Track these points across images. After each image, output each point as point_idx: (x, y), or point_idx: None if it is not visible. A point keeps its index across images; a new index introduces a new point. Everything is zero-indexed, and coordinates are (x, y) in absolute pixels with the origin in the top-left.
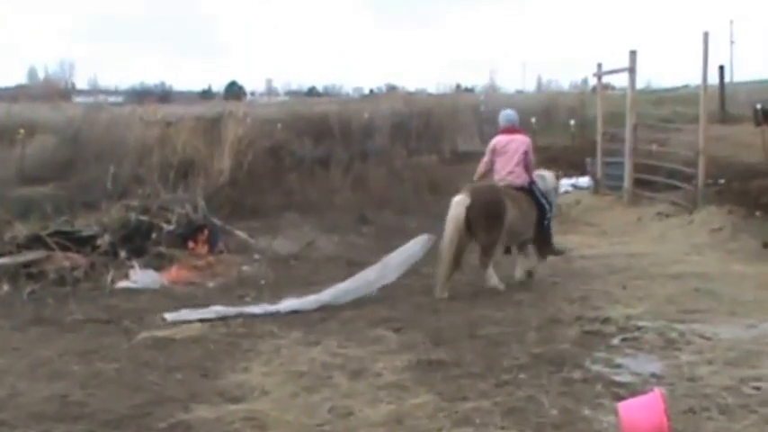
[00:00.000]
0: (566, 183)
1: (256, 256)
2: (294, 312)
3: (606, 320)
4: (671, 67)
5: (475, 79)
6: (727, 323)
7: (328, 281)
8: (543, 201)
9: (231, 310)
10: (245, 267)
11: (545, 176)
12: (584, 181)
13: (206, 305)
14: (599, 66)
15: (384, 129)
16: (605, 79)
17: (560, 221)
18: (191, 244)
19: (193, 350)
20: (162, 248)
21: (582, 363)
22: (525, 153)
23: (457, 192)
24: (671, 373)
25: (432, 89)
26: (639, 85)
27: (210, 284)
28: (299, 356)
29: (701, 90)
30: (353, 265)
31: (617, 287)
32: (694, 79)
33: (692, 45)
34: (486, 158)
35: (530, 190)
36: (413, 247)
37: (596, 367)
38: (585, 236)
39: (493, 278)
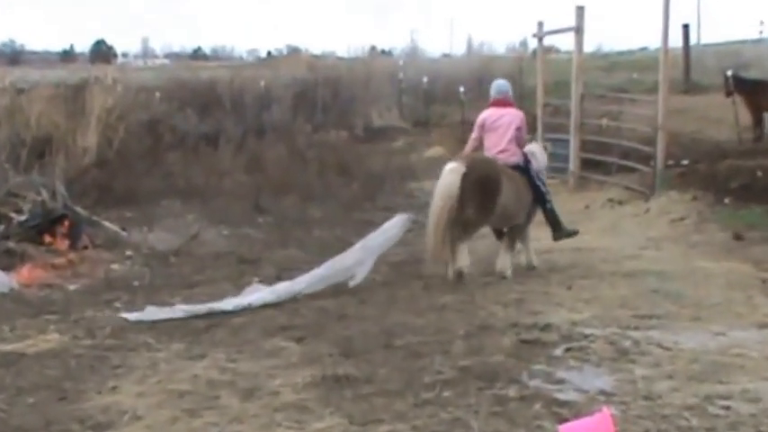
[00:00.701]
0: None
1: (129, 253)
2: (265, 306)
3: (547, 327)
4: (625, 27)
5: (393, 40)
6: (691, 330)
7: (216, 281)
8: (539, 182)
9: (200, 308)
10: (114, 266)
11: (535, 153)
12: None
13: (66, 310)
14: (540, 25)
15: (284, 99)
16: (548, 41)
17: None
18: (47, 238)
19: (50, 367)
20: (11, 243)
21: (518, 377)
22: (518, 129)
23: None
24: (623, 389)
25: (342, 52)
26: (588, 47)
27: (72, 287)
28: (179, 372)
29: (661, 54)
30: (246, 263)
31: (560, 288)
32: (653, 41)
33: (651, 0)
34: (474, 135)
35: (525, 169)
36: (391, 229)
37: (535, 383)
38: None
39: (462, 259)
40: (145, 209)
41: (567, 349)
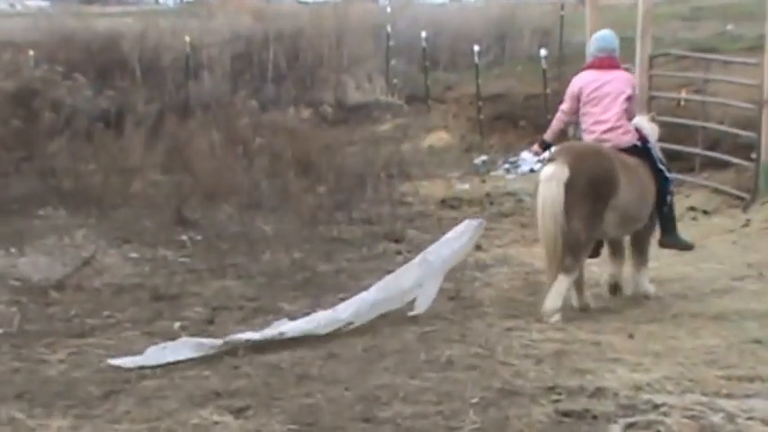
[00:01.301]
0: (531, 158)
1: None
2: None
3: (598, 393)
4: None
5: None
6: None
7: (119, 327)
8: (663, 167)
9: (215, 340)
10: None
11: (644, 128)
12: None
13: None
14: None
15: (219, 63)
16: None
17: (517, 222)
18: None
19: None
20: None
21: None
22: (629, 99)
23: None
24: None
25: None
26: None
27: None
28: None
29: None
30: (163, 300)
31: (618, 335)
32: None
33: None
34: (565, 107)
35: (644, 150)
36: (458, 238)
37: None
38: None
39: (558, 298)
40: (13, 222)
41: (629, 426)
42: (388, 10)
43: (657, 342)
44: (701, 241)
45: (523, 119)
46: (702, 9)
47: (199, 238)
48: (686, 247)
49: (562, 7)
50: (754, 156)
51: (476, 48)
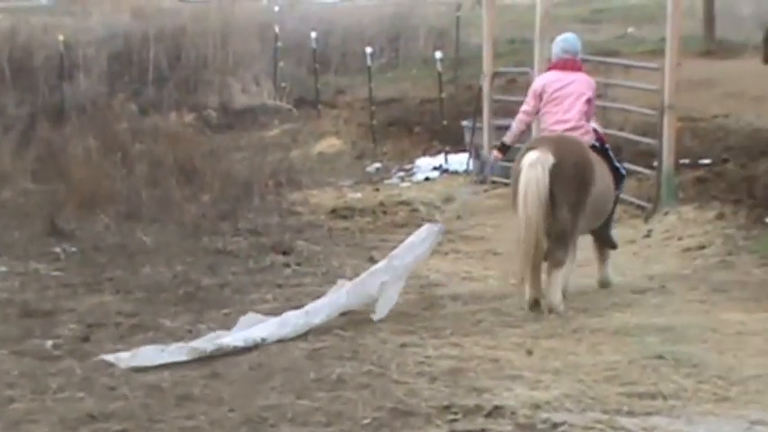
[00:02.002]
0: (426, 165)
1: None
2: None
3: (496, 412)
4: None
5: None
6: (714, 416)
7: None
8: (619, 166)
9: (206, 345)
10: None
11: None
12: (460, 161)
13: None
14: None
15: (95, 64)
16: None
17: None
18: None
19: None
20: None
21: None
22: (589, 101)
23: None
24: None
25: None
26: None
27: None
28: None
29: None
30: (33, 317)
31: (516, 351)
32: None
33: None
34: (527, 107)
35: (602, 150)
36: (420, 244)
37: None
38: (461, 259)
39: (558, 291)
40: None
41: None
42: (276, 9)
43: (557, 358)
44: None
45: (418, 124)
46: (603, 11)
47: (73, 250)
48: (614, 246)
49: (458, 8)
50: (655, 164)
51: (368, 49)
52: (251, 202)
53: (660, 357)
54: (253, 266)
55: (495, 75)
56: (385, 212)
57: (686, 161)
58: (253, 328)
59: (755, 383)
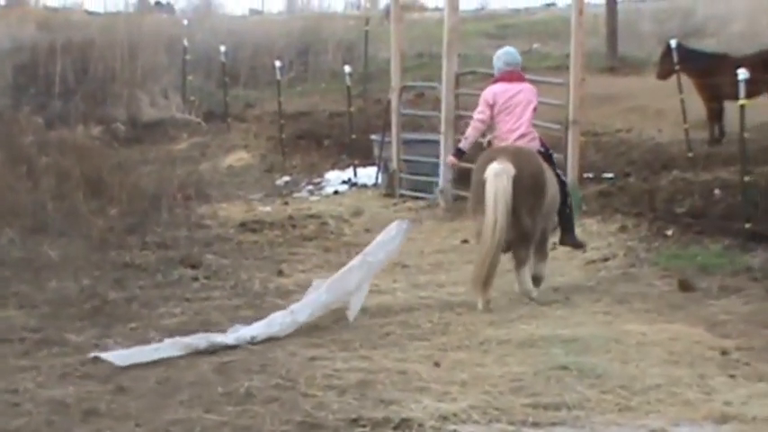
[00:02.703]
0: (335, 179)
1: None
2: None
3: (404, 424)
4: None
5: None
6: (617, 426)
7: None
8: (560, 172)
9: (199, 341)
10: None
11: None
12: (369, 175)
13: None
14: None
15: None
16: None
17: (321, 246)
18: None
19: None
20: None
21: None
22: (535, 109)
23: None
24: None
25: (95, 3)
26: (468, 3)
27: None
28: None
29: (574, 13)
30: None
31: (423, 363)
32: None
33: None
34: (482, 116)
35: (548, 157)
36: (391, 241)
37: None
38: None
39: (529, 281)
40: None
41: None
42: (185, 22)
43: (464, 370)
44: (508, 265)
45: (327, 138)
46: (509, 27)
47: None
48: (581, 245)
49: (367, 22)
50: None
51: (278, 63)
52: (159, 216)
53: (565, 368)
54: (161, 280)
55: (404, 89)
56: (294, 226)
57: (590, 175)
58: (241, 329)
59: (656, 393)
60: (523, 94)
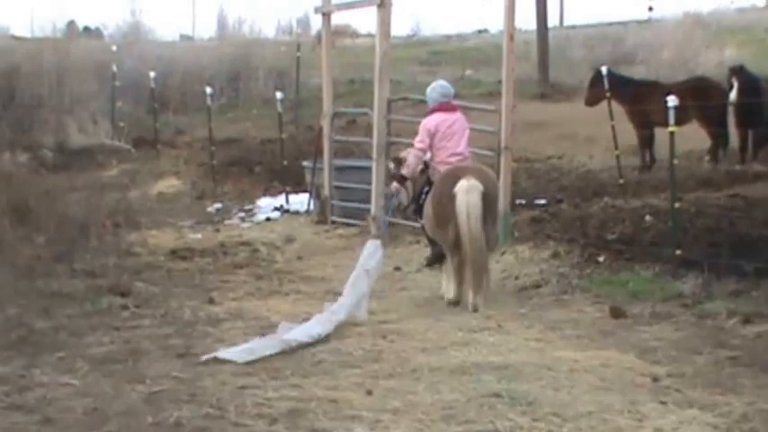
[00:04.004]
0: (267, 205)
1: None
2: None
3: None
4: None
5: (103, 14)
6: None
7: None
8: None
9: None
10: None
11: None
12: (301, 201)
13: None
14: None
15: None
16: (340, 18)
17: (252, 273)
18: None
19: None
20: None
21: None
22: (469, 136)
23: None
24: None
25: (22, 29)
26: (400, 29)
27: None
28: None
29: (505, 39)
30: None
31: (355, 391)
32: (495, 22)
33: None
34: (423, 144)
35: None
36: (369, 262)
37: None
38: (301, 300)
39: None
40: None
41: None
42: (114, 48)
43: (396, 398)
44: (441, 292)
45: (259, 164)
46: (441, 53)
47: None
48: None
49: (298, 48)
50: None
51: (208, 89)
52: (88, 243)
53: (497, 395)
54: (89, 309)
55: (336, 115)
56: (225, 253)
57: (522, 201)
58: (308, 327)
59: (588, 420)
60: (459, 122)
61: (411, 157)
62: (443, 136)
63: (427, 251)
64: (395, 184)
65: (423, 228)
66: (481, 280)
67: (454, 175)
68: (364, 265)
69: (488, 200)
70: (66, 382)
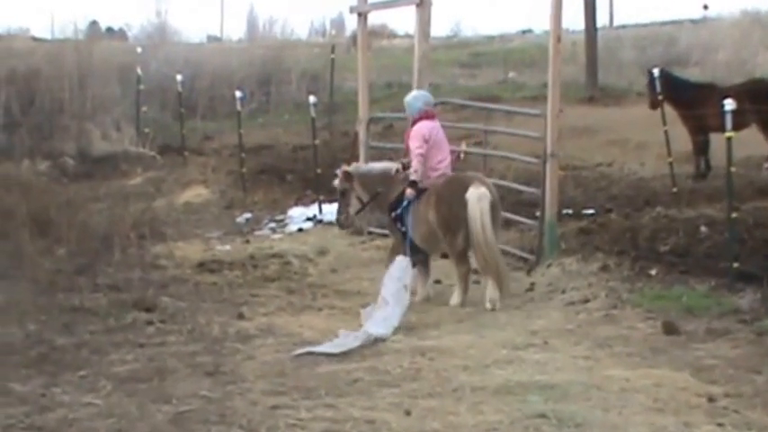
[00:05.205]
0: (299, 215)
1: None
2: None
3: None
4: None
5: (128, 14)
6: None
7: None
8: None
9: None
10: None
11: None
12: (334, 211)
13: None
14: None
15: None
16: (376, 18)
17: (284, 287)
18: None
19: None
20: None
21: None
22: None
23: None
24: None
25: (42, 30)
26: (439, 30)
27: None
28: None
29: (551, 40)
30: None
31: (394, 411)
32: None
33: None
34: (422, 150)
35: None
36: (401, 279)
37: None
38: (335, 315)
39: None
40: None
41: None
42: (139, 49)
43: (436, 419)
44: (482, 308)
45: (291, 172)
46: (482, 55)
47: None
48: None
49: (332, 50)
50: (537, 214)
51: (238, 93)
52: (111, 256)
53: (543, 416)
54: (113, 325)
55: (372, 120)
56: (256, 266)
57: (569, 211)
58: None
59: None
60: (441, 129)
61: (416, 164)
62: (434, 143)
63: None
64: (409, 191)
65: (398, 233)
66: (503, 281)
67: (460, 183)
68: (402, 280)
69: (494, 207)
70: (88, 401)
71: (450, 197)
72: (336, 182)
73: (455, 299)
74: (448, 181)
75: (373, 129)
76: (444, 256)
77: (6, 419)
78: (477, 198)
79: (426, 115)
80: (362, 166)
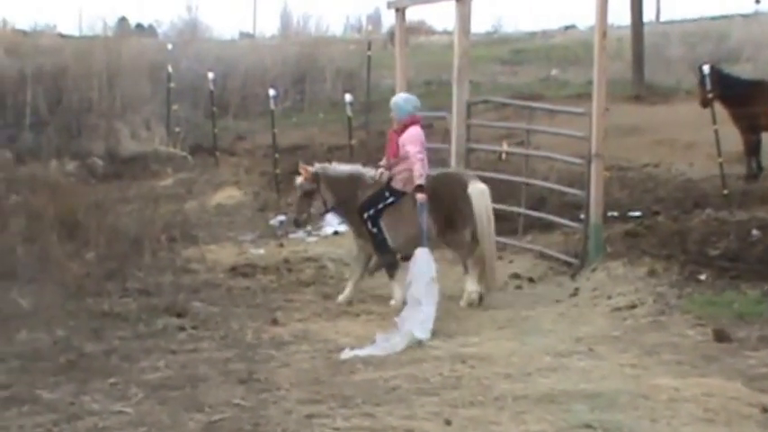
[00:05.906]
0: (334, 218)
1: None
2: None
3: None
4: None
5: (158, 11)
6: None
7: None
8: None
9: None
10: None
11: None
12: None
13: None
14: None
15: None
16: (413, 14)
17: (319, 292)
18: None
19: None
20: None
21: None
22: None
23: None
24: None
25: (69, 26)
26: (479, 26)
27: None
28: None
29: (597, 36)
30: None
31: (434, 420)
32: (584, 17)
33: None
34: (422, 155)
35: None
36: (428, 272)
37: None
38: (373, 321)
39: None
40: None
41: None
42: (169, 46)
43: (478, 428)
44: (525, 312)
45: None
46: (523, 52)
47: None
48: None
49: (369, 46)
50: (582, 216)
51: (271, 92)
52: (141, 260)
53: (588, 426)
54: (143, 330)
55: None
56: (290, 270)
57: (615, 213)
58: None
59: None
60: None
61: (420, 167)
62: (424, 147)
63: (510, 267)
64: (420, 195)
65: (373, 236)
66: (495, 274)
67: (456, 180)
68: (428, 273)
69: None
70: (118, 409)
71: (453, 194)
72: (299, 180)
73: (471, 285)
74: (441, 180)
75: None
76: (406, 258)
77: (35, 428)
78: (481, 193)
79: (414, 120)
80: (330, 167)
